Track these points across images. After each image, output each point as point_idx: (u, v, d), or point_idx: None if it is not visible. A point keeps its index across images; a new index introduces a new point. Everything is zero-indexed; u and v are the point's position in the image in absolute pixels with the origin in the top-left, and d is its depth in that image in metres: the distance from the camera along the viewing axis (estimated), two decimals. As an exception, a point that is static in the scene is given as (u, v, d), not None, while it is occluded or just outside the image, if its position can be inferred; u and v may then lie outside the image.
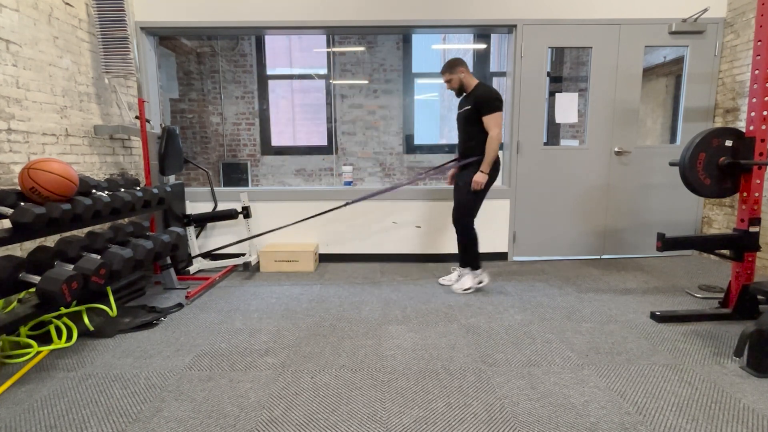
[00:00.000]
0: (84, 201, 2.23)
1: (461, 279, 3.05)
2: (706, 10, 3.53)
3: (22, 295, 2.34)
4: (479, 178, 2.84)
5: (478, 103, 2.82)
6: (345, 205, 3.27)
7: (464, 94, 2.99)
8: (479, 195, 2.93)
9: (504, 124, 3.92)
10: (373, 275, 3.46)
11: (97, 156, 3.17)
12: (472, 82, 2.93)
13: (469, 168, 2.93)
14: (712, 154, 2.41)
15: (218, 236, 3.84)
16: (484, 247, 3.84)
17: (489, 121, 2.79)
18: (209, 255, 3.74)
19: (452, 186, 3.19)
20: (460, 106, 3.02)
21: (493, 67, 6.20)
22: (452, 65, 2.90)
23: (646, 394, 1.72)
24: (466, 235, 3.00)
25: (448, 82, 2.94)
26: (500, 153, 3.26)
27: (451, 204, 3.78)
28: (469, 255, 3.04)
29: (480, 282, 3.03)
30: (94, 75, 3.17)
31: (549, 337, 2.26)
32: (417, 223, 3.83)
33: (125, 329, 2.38)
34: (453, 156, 6.24)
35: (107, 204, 2.42)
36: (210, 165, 6.11)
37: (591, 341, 2.20)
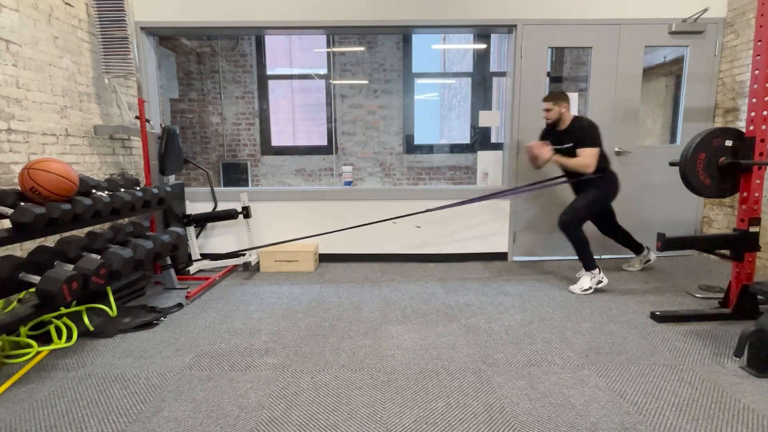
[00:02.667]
0: (84, 201, 2.23)
1: (580, 280, 3.06)
2: (706, 10, 3.53)
3: (22, 295, 2.34)
4: (544, 151, 3.02)
5: (578, 137, 2.95)
6: (426, 211, 3.37)
7: (558, 128, 3.05)
8: (595, 204, 3.05)
9: (504, 124, 3.92)
10: (373, 275, 3.46)
11: (97, 156, 3.17)
12: (570, 116, 3.02)
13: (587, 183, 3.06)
14: (712, 154, 2.41)
15: (218, 236, 3.84)
16: (484, 247, 3.86)
17: (590, 154, 2.91)
18: (208, 256, 3.74)
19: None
20: (553, 141, 3.10)
21: (493, 67, 6.20)
22: (558, 98, 2.97)
23: (646, 394, 1.72)
24: (574, 237, 3.05)
25: (547, 110, 3.02)
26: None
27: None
28: (582, 256, 3.05)
29: (599, 282, 3.01)
30: (94, 75, 3.17)
31: (549, 337, 2.26)
32: (417, 223, 3.83)
33: (125, 329, 2.38)
34: (457, 156, 6.27)
35: (107, 204, 2.42)
36: (210, 165, 6.11)
37: (591, 341, 2.20)
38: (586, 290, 2.98)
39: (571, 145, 2.97)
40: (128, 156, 3.53)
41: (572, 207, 3.05)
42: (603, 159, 2.98)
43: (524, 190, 3.56)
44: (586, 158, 2.90)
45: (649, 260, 3.48)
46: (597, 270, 3.02)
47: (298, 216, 3.80)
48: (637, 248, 3.43)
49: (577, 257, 3.05)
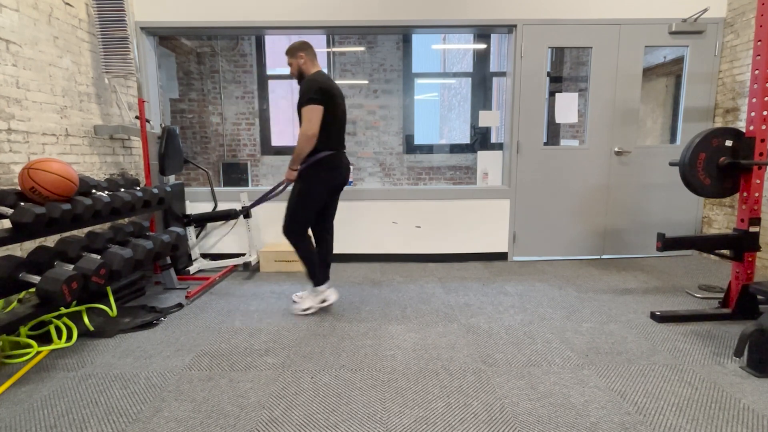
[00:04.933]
0: (84, 201, 2.23)
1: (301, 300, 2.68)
2: (706, 10, 3.53)
3: (22, 295, 2.34)
4: (288, 174, 2.51)
5: (299, 95, 2.45)
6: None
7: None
8: (301, 200, 2.51)
9: (504, 124, 3.92)
10: (373, 275, 3.46)
11: (97, 156, 3.17)
12: (311, 70, 2.53)
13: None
14: (712, 154, 2.41)
15: (218, 236, 3.84)
16: (483, 247, 3.86)
17: (303, 113, 2.41)
18: (208, 255, 3.74)
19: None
20: None
21: (493, 67, 6.20)
22: (292, 49, 2.53)
23: (646, 394, 1.72)
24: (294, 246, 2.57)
25: (289, 65, 2.58)
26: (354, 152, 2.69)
27: (452, 204, 3.78)
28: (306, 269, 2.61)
29: (323, 301, 2.65)
30: (94, 75, 3.17)
31: (549, 337, 2.26)
32: (417, 223, 3.83)
33: (125, 329, 2.38)
34: (457, 156, 6.26)
35: (107, 204, 2.42)
36: (210, 165, 6.11)
37: (591, 341, 2.20)
38: (306, 310, 2.60)
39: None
40: (128, 156, 3.53)
41: (287, 209, 2.56)
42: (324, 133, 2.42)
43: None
44: (303, 122, 2.38)
45: (325, 300, 2.69)
46: (325, 285, 2.63)
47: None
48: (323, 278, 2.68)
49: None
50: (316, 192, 2.51)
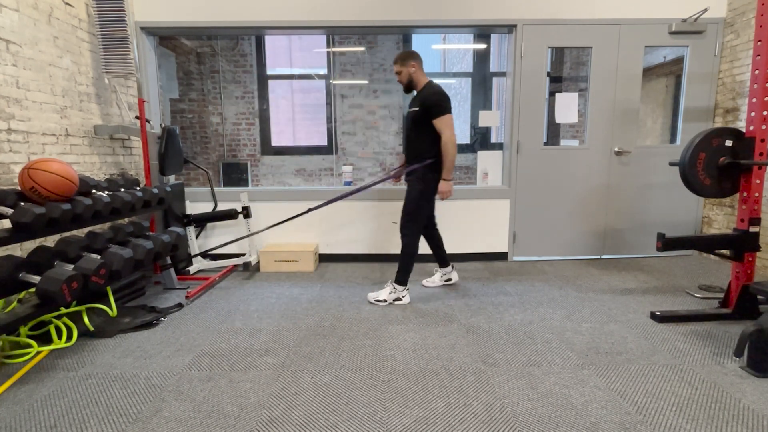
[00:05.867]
0: (84, 201, 2.23)
1: (382, 290, 2.86)
2: (706, 10, 3.53)
3: (22, 295, 2.34)
4: (444, 186, 2.71)
5: (425, 105, 2.65)
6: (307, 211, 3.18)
7: (413, 92, 2.83)
8: (422, 201, 2.75)
9: (504, 124, 3.92)
10: (373, 275, 3.46)
11: (97, 156, 3.17)
12: (423, 80, 2.76)
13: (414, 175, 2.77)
14: (712, 154, 2.41)
15: (218, 236, 3.84)
16: (483, 247, 3.86)
17: (440, 123, 2.63)
18: (207, 255, 3.74)
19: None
20: (410, 105, 2.86)
21: (493, 67, 6.20)
22: (403, 58, 2.73)
23: (646, 394, 1.72)
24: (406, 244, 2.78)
25: (397, 74, 2.78)
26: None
27: (452, 204, 3.78)
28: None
29: (398, 300, 2.79)
30: (94, 75, 3.17)
31: (549, 337, 2.26)
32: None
33: (125, 329, 2.38)
34: (457, 156, 6.25)
35: (107, 204, 2.42)
36: (210, 165, 6.11)
37: (591, 341, 2.20)
38: (380, 300, 2.78)
39: (417, 109, 2.69)
40: (128, 156, 3.53)
41: (406, 209, 2.79)
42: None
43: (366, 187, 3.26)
44: (444, 131, 2.62)
45: (450, 279, 3.16)
46: (404, 288, 2.80)
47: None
48: (444, 261, 3.14)
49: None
50: (433, 192, 2.77)
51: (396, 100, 6.06)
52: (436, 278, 3.17)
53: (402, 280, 2.78)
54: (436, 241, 3.10)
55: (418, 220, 2.77)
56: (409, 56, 2.73)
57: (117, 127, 3.24)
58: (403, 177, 3.01)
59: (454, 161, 2.68)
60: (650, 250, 3.88)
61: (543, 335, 2.28)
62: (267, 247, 3.69)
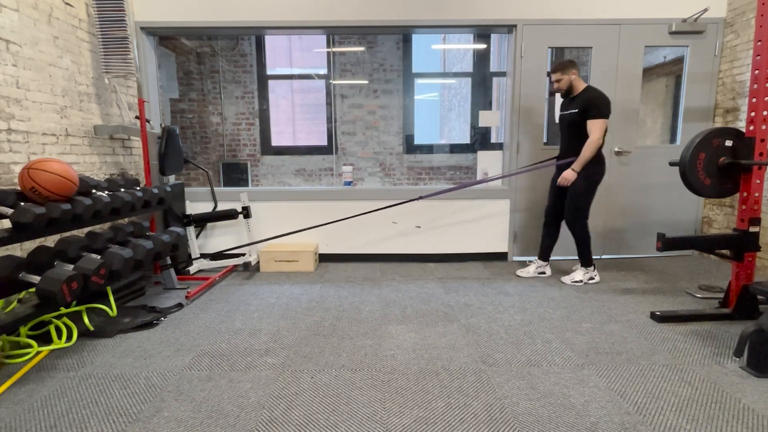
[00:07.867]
0: (84, 201, 2.23)
1: (574, 272, 3.21)
2: (706, 10, 3.53)
3: (22, 295, 2.34)
4: (568, 174, 2.96)
5: (587, 106, 2.88)
6: (418, 198, 3.43)
7: (570, 96, 3.07)
8: (587, 194, 3.02)
9: (504, 123, 3.92)
10: (373, 275, 3.46)
11: (97, 156, 3.17)
12: (581, 84, 2.99)
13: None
14: (712, 154, 2.41)
15: (218, 236, 3.84)
16: (483, 247, 3.86)
17: (592, 124, 2.87)
18: (207, 255, 3.74)
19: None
20: (564, 108, 3.11)
21: (493, 67, 6.19)
22: (564, 65, 2.96)
23: (646, 394, 1.72)
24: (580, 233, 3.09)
25: (557, 81, 3.01)
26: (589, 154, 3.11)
27: (452, 204, 3.78)
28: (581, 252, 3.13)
29: (591, 279, 3.15)
30: (94, 75, 3.17)
31: (549, 337, 2.26)
32: (417, 223, 3.83)
33: (125, 329, 2.38)
34: (457, 156, 6.26)
35: (107, 204, 2.42)
36: (210, 165, 6.11)
37: (591, 341, 2.20)
38: (576, 282, 3.12)
39: (575, 111, 2.96)
40: (128, 156, 3.53)
41: (571, 203, 3.05)
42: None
43: (520, 172, 3.59)
44: (593, 133, 2.87)
45: (543, 273, 3.38)
46: (592, 267, 3.14)
47: (298, 216, 3.80)
48: (546, 256, 3.38)
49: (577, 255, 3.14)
50: (596, 185, 3.01)
51: (396, 100, 6.06)
52: (531, 269, 3.35)
53: (587, 263, 3.11)
54: (553, 237, 3.28)
55: (585, 212, 3.03)
56: (570, 65, 2.95)
57: (117, 127, 3.24)
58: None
59: (587, 160, 2.91)
60: (650, 250, 3.88)
61: (543, 335, 2.28)
62: (267, 247, 3.69)
